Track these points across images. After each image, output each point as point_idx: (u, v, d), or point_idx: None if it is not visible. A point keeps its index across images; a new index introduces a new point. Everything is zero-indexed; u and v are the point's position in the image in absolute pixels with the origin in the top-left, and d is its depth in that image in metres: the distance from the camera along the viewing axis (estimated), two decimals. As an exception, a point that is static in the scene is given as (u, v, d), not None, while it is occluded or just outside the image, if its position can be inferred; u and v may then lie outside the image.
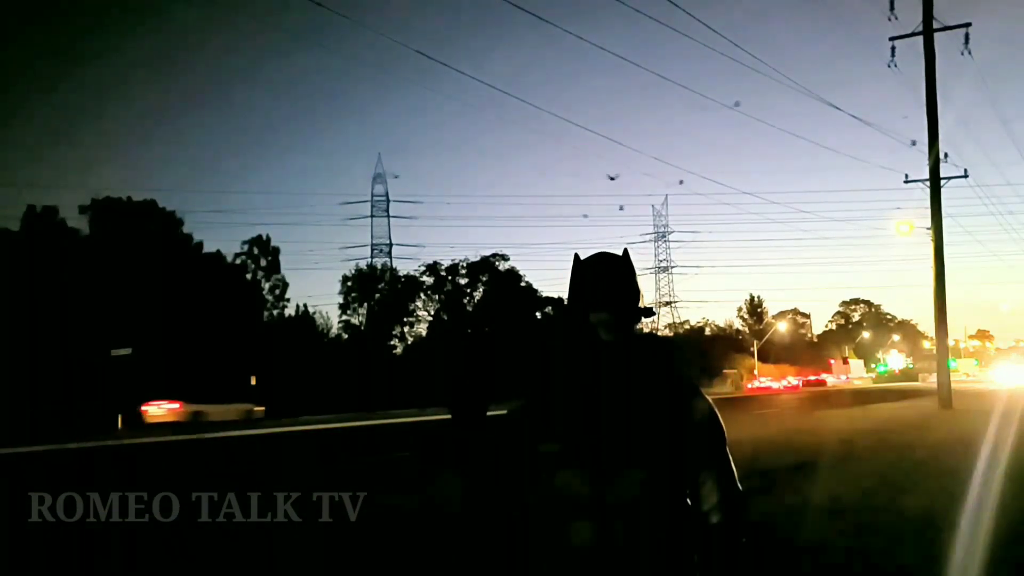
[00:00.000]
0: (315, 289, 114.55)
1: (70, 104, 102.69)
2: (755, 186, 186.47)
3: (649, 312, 2.15)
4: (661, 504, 1.99)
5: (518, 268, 69.07)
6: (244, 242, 60.45)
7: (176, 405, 35.27)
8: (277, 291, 60.36)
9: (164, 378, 36.23)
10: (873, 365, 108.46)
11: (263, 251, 60.55)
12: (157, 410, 35.02)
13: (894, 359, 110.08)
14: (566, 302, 2.14)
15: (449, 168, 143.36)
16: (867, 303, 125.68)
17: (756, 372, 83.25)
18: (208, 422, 33.69)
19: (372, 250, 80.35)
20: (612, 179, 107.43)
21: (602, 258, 2.14)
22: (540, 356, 2.10)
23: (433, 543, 7.84)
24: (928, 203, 27.26)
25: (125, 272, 43.11)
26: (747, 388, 76.35)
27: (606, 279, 2.08)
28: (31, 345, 38.32)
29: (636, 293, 2.11)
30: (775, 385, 78.57)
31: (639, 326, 2.12)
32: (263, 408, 38.83)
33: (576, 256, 2.14)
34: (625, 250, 2.14)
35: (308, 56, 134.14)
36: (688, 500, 2.08)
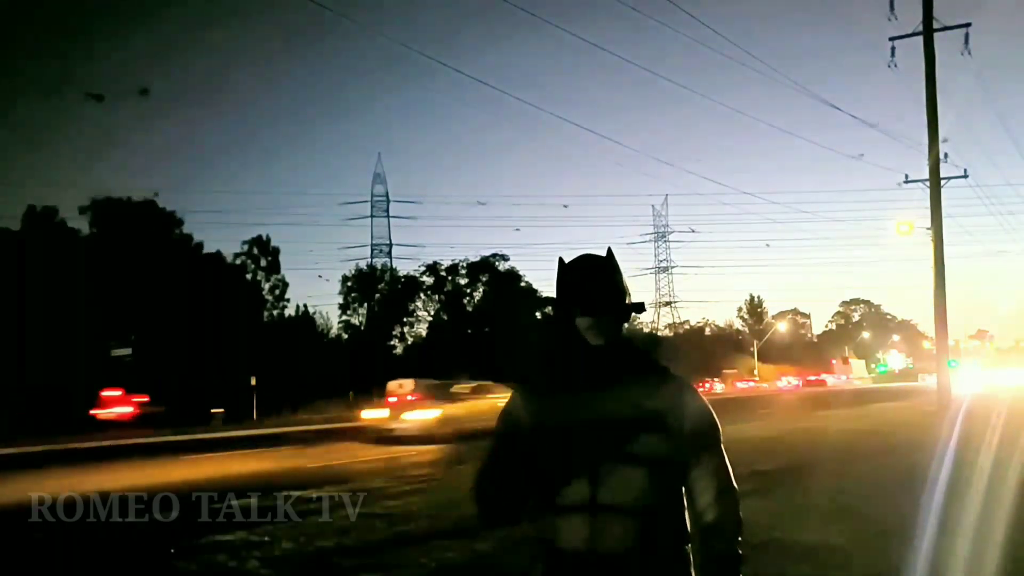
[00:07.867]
0: (315, 289, 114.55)
1: (70, 104, 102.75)
2: (755, 186, 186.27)
3: (640, 308, 2.14)
4: (655, 504, 1.99)
5: (518, 268, 69.08)
6: (244, 242, 60.42)
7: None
8: (277, 291, 60.38)
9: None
10: (873, 365, 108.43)
11: (263, 251, 60.49)
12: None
13: (894, 359, 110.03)
14: (553, 306, 2.13)
15: (449, 168, 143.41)
16: (867, 303, 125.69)
17: (756, 372, 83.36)
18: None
19: (372, 250, 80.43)
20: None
21: (585, 261, 2.12)
22: (533, 358, 2.10)
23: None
24: (928, 203, 27.24)
25: (125, 272, 43.10)
26: (777, 386, 77.07)
27: (590, 282, 2.07)
28: (31, 345, 38.29)
29: (622, 293, 2.10)
30: (793, 382, 79.45)
31: (637, 324, 2.12)
32: None
33: (560, 260, 2.13)
34: (609, 249, 2.13)
35: (308, 56, 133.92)
36: (684, 500, 2.08)
